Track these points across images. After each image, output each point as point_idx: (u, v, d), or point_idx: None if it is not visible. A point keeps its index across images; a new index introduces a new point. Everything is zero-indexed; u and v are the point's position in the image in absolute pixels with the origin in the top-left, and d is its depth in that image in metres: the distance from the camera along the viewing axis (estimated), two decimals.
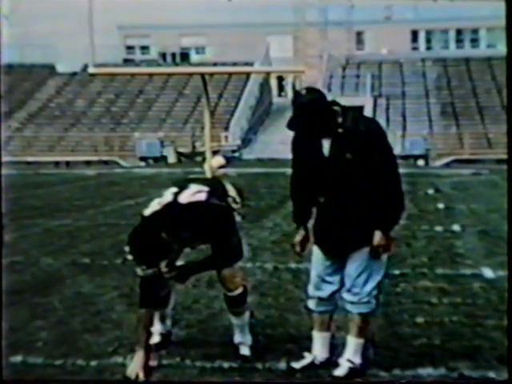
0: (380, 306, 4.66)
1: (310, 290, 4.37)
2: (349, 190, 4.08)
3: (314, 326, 4.41)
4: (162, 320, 4.74)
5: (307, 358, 4.37)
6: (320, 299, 4.32)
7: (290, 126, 4.15)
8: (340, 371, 4.21)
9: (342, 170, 4.06)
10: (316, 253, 4.30)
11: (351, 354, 4.24)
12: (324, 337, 4.39)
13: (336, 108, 4.13)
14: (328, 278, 4.27)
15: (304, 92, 4.11)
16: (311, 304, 4.39)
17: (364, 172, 4.04)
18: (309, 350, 4.41)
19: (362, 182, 4.06)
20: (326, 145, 4.11)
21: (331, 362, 4.32)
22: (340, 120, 4.09)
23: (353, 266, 4.16)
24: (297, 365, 4.33)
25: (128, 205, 13.31)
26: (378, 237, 4.08)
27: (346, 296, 4.22)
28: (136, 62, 42.53)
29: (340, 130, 4.07)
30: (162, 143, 32.99)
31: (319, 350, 4.38)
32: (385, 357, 4.45)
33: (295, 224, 4.38)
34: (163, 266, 4.29)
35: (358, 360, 4.24)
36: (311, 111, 4.03)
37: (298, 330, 4.99)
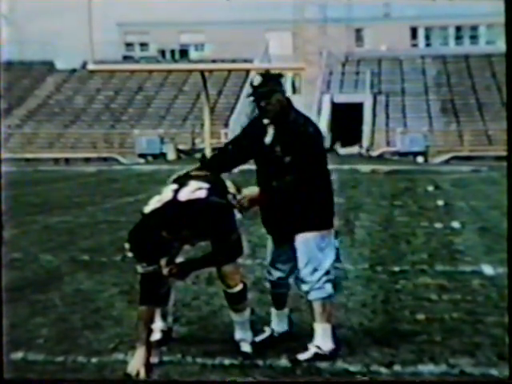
0: (340, 290, 5.18)
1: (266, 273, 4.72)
2: (281, 178, 4.29)
3: (272, 303, 4.75)
4: (164, 317, 4.74)
5: (266, 332, 4.68)
6: (271, 282, 4.64)
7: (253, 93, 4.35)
8: (304, 355, 4.34)
9: (275, 160, 4.33)
10: (269, 241, 4.63)
11: (319, 340, 4.38)
12: (279, 313, 4.70)
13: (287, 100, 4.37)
14: (278, 266, 4.56)
15: (266, 73, 4.37)
16: (268, 285, 4.74)
17: (292, 166, 4.26)
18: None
19: (290, 174, 4.26)
20: (270, 134, 4.37)
21: (290, 335, 4.67)
22: (287, 113, 4.32)
23: (299, 257, 4.41)
24: (257, 338, 4.58)
25: (127, 202, 13.31)
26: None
27: (300, 285, 4.48)
28: (135, 58, 42.48)
29: (280, 123, 4.32)
30: (162, 140, 32.99)
31: (276, 324, 4.71)
32: (385, 353, 4.46)
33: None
34: (163, 263, 4.29)
35: (327, 346, 4.36)
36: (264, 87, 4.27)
37: (298, 326, 4.99)
